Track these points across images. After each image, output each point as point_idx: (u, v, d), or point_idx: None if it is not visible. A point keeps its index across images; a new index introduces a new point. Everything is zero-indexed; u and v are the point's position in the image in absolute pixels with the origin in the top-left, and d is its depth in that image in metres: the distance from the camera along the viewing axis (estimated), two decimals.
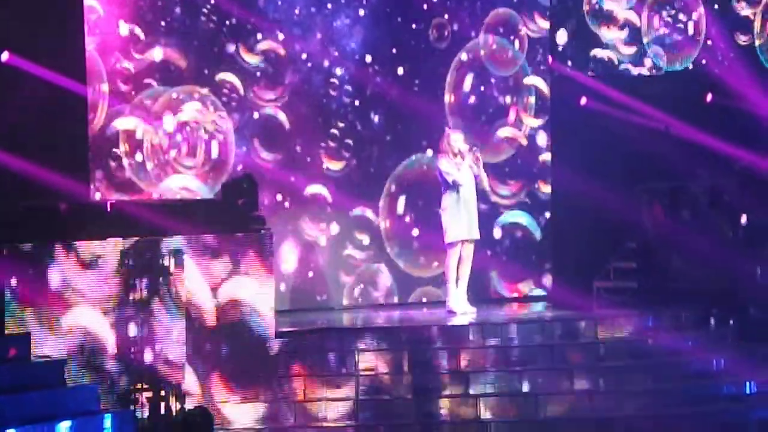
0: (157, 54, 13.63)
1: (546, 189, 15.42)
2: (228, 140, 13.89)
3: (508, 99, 15.22)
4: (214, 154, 13.80)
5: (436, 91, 14.97)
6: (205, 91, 13.79)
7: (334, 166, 14.49)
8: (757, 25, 15.66)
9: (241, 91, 14.03)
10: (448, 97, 14.98)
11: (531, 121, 15.35)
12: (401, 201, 14.75)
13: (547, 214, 15.41)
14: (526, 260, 15.39)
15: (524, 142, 15.30)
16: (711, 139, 14.91)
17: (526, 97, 15.32)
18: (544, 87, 15.38)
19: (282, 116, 14.25)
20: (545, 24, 15.40)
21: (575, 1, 15.58)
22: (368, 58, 14.63)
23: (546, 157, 15.46)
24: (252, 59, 14.07)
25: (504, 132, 15.20)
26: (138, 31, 13.55)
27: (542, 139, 15.47)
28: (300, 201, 14.35)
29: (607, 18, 15.58)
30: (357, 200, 14.59)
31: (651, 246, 14.73)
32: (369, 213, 14.66)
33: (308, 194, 14.38)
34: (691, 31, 15.71)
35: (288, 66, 14.24)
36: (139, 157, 13.49)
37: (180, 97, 13.70)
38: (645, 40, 15.58)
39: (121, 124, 13.43)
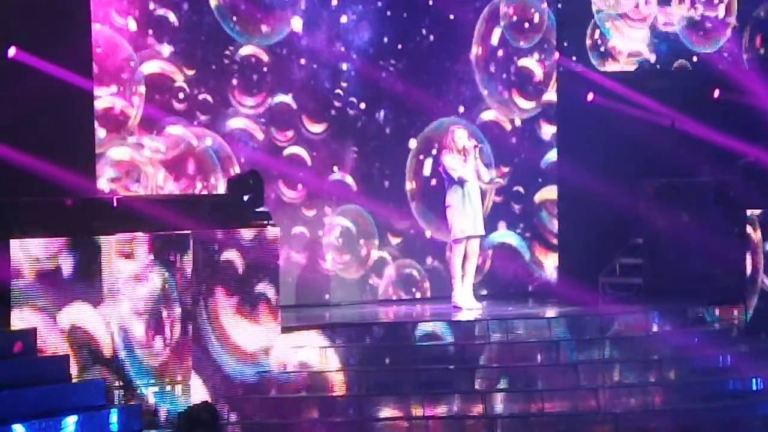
0: (164, 51, 13.65)
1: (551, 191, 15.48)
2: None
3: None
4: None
5: (441, 85, 14.99)
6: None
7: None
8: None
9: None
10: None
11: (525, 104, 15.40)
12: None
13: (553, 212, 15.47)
14: (531, 255, 15.40)
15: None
16: (717, 134, 14.90)
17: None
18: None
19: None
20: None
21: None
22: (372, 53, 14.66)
23: (552, 153, 15.48)
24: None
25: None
26: (148, 27, 13.59)
27: (548, 133, 15.49)
28: (309, 196, 14.39)
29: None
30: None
31: (656, 242, 14.72)
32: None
33: (317, 188, 14.41)
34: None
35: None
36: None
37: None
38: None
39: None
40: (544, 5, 15.40)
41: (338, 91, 14.44)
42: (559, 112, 15.49)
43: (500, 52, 15.23)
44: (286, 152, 14.26)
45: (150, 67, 13.58)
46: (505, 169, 15.29)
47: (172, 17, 13.70)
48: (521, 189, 15.43)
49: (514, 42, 15.29)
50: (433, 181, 14.68)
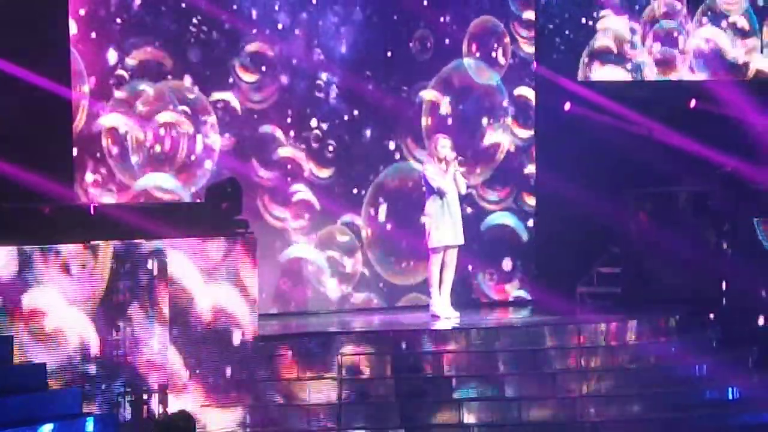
0: (138, 55, 13.64)
1: (530, 198, 15.48)
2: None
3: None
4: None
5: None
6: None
7: (321, 173, 14.50)
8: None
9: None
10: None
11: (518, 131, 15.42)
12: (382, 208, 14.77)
13: (531, 222, 15.44)
14: (510, 265, 15.41)
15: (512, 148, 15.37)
16: (695, 144, 14.95)
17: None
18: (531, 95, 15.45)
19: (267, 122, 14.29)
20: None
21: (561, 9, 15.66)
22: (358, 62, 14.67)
23: (531, 164, 15.51)
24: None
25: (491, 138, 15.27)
26: (118, 31, 13.57)
27: (527, 144, 15.53)
28: (284, 204, 14.38)
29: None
30: (342, 206, 14.62)
31: (635, 251, 14.76)
32: (354, 219, 14.68)
33: (293, 199, 14.39)
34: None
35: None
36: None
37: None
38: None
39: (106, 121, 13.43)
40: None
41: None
42: (537, 122, 15.51)
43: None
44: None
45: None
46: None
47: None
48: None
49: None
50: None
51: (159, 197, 13.56)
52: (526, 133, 15.44)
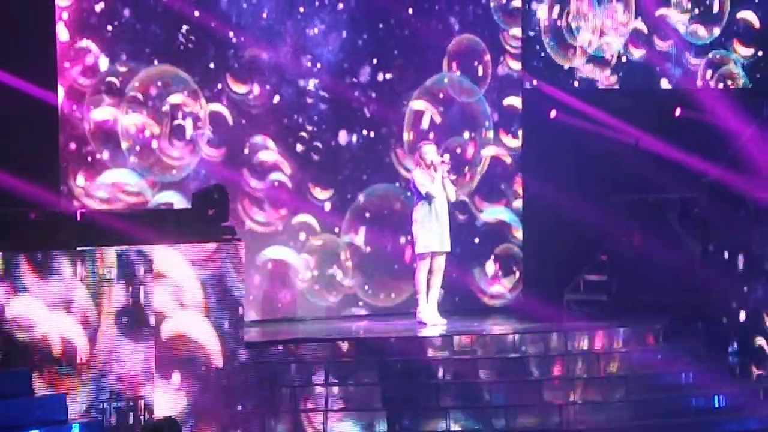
0: (128, 63, 13.63)
1: (517, 202, 15.50)
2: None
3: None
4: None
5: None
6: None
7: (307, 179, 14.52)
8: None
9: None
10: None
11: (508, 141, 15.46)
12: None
13: (518, 231, 15.48)
14: (497, 271, 15.43)
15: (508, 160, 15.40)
16: (681, 153, 14.98)
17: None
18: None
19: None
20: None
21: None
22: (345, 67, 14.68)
23: (518, 172, 15.54)
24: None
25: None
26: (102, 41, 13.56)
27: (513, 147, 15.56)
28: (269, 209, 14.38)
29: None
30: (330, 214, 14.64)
31: (621, 259, 14.77)
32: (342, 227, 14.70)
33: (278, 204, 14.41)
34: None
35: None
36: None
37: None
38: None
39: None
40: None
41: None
42: (523, 129, 15.53)
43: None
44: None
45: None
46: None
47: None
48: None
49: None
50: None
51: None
52: (514, 143, 15.47)
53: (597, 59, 15.75)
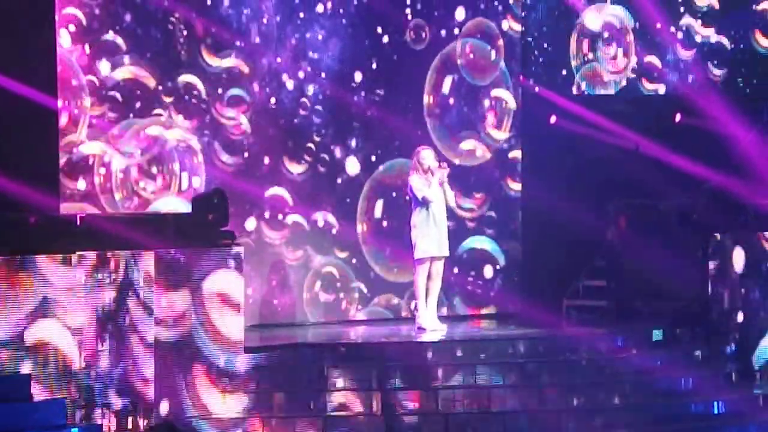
0: (125, 70, 13.63)
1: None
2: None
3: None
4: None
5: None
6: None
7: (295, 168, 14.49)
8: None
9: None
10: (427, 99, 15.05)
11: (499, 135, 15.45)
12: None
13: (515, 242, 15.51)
14: (497, 278, 15.43)
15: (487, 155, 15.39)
16: (681, 158, 14.98)
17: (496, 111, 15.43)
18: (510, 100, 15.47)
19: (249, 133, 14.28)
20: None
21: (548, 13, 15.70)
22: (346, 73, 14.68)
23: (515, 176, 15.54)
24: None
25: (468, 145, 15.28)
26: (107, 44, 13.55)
27: (512, 155, 15.54)
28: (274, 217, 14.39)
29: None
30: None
31: (620, 265, 14.78)
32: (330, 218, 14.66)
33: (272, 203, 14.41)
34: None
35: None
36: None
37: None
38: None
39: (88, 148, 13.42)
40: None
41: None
42: (523, 135, 15.54)
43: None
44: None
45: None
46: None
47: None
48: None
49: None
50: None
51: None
52: (512, 149, 15.50)
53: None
